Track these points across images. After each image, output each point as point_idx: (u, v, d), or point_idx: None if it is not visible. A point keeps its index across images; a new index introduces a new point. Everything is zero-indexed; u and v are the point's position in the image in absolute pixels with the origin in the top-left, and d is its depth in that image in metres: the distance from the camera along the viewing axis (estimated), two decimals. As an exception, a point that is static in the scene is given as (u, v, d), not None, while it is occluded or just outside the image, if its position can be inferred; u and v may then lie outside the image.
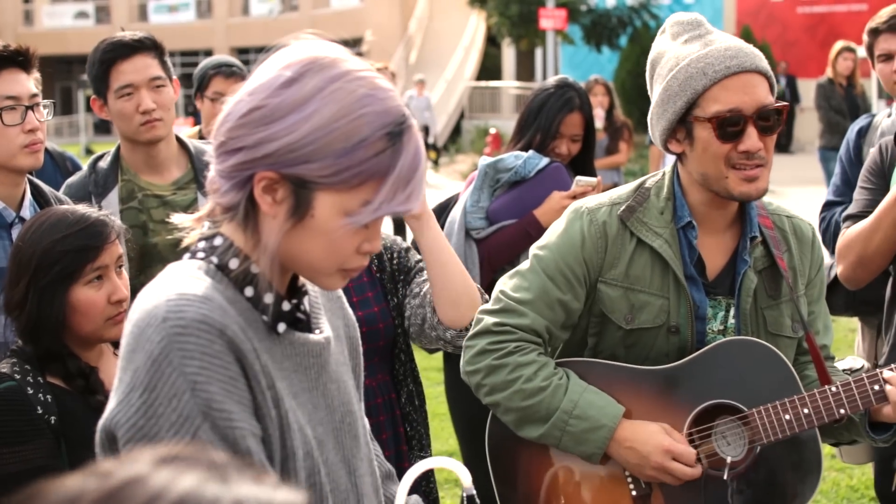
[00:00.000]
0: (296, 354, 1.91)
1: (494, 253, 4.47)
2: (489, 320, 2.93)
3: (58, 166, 5.19)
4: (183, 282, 1.78)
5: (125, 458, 0.94)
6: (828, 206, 4.69)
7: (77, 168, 5.30)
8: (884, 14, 4.52)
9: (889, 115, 4.61)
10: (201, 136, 5.38)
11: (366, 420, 2.19)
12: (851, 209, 3.88)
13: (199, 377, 1.68)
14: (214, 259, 1.86)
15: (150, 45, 3.95)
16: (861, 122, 4.73)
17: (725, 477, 2.81)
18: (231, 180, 1.81)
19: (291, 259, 1.85)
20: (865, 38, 4.58)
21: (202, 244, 1.89)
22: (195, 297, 1.74)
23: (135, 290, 3.76)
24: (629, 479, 2.89)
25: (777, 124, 2.80)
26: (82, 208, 2.90)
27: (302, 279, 1.99)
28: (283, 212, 1.79)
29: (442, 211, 4.73)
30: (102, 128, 50.98)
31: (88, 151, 38.38)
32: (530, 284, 2.93)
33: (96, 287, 2.83)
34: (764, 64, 2.79)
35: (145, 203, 3.96)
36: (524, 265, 2.99)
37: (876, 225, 3.60)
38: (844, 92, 12.46)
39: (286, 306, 1.90)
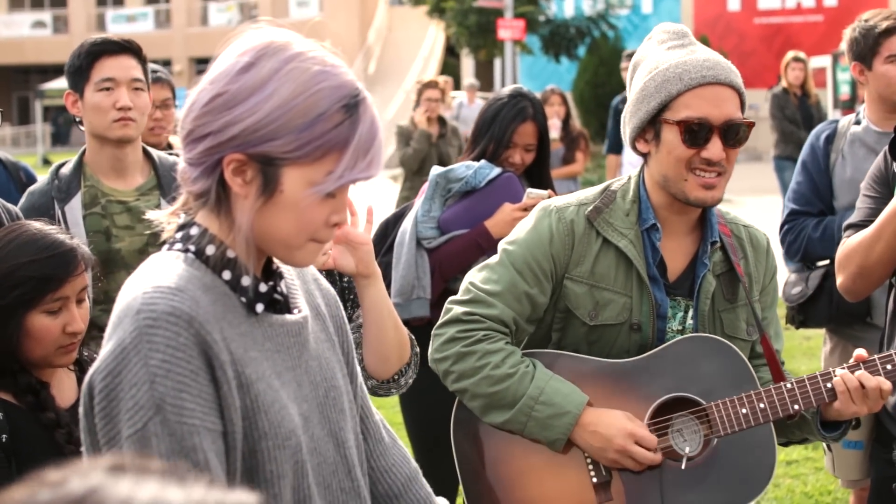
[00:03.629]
0: (276, 335, 1.99)
1: (445, 263, 4.46)
2: (458, 310, 3.02)
3: (11, 176, 5.15)
4: (160, 273, 1.88)
5: (77, 469, 0.94)
6: (794, 215, 4.59)
7: (31, 178, 5.24)
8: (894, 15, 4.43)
9: (858, 123, 4.50)
10: None
11: (365, 392, 2.29)
12: (854, 218, 3.72)
13: (160, 370, 1.77)
14: (191, 247, 1.94)
15: (136, 50, 4.02)
16: (826, 129, 4.61)
17: (683, 466, 2.91)
18: (201, 166, 1.90)
19: (265, 237, 1.94)
20: (872, 37, 4.44)
21: (179, 234, 1.98)
22: (168, 290, 1.84)
23: (98, 297, 3.78)
24: (590, 467, 2.96)
25: (743, 139, 2.92)
26: (54, 232, 2.85)
27: (276, 263, 2.07)
28: (254, 191, 1.89)
29: (397, 219, 4.72)
30: (60, 138, 50.61)
31: (46, 161, 38.07)
32: (499, 277, 3.02)
33: (53, 316, 2.78)
34: (738, 80, 2.91)
35: (108, 209, 3.94)
36: (493, 259, 3.09)
37: (877, 234, 3.47)
38: (798, 101, 12.57)
39: (263, 288, 1.98)
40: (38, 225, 2.88)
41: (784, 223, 4.65)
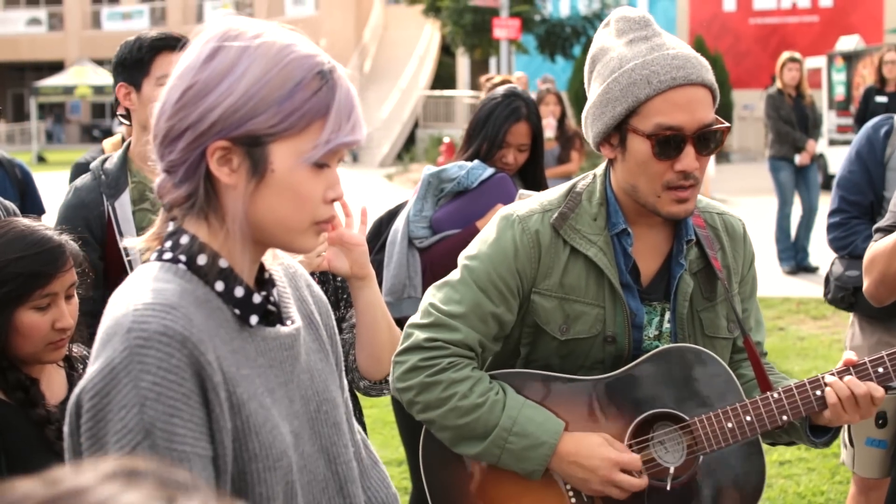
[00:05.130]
0: (269, 350, 1.92)
1: (437, 262, 4.44)
2: (420, 335, 2.79)
3: (6, 173, 5.17)
4: (151, 288, 1.81)
5: (78, 468, 0.93)
6: (845, 204, 4.61)
7: (26, 175, 5.27)
8: None
9: None
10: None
11: (350, 407, 2.20)
12: (884, 221, 3.63)
13: (151, 393, 1.70)
14: (182, 257, 1.88)
15: None
16: (884, 123, 4.63)
17: (668, 487, 2.77)
18: (183, 166, 1.85)
19: (263, 225, 1.87)
20: None
21: (168, 244, 1.91)
22: (160, 307, 1.76)
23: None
24: (570, 493, 2.80)
25: (716, 146, 2.71)
26: (42, 228, 2.84)
27: (268, 270, 2.01)
28: (243, 177, 1.83)
29: (390, 218, 4.73)
30: (54, 136, 50.55)
31: (40, 159, 38.04)
32: (462, 297, 2.81)
33: (42, 312, 2.77)
34: (710, 76, 2.66)
35: (157, 204, 3.92)
36: (454, 275, 2.88)
37: None
38: (793, 102, 12.59)
39: (257, 299, 1.92)
40: (26, 221, 2.87)
41: (835, 211, 4.65)
